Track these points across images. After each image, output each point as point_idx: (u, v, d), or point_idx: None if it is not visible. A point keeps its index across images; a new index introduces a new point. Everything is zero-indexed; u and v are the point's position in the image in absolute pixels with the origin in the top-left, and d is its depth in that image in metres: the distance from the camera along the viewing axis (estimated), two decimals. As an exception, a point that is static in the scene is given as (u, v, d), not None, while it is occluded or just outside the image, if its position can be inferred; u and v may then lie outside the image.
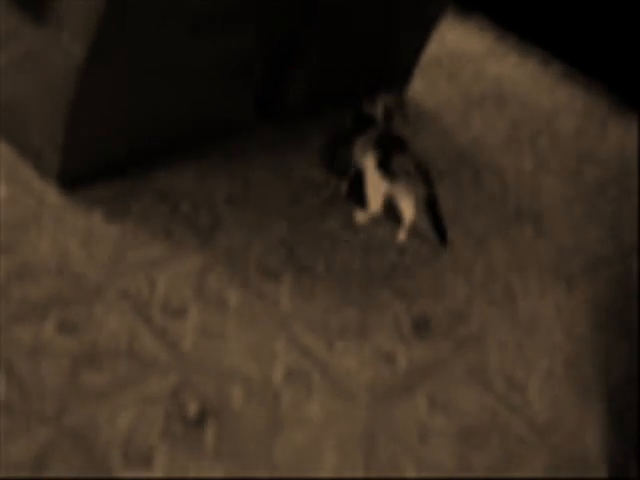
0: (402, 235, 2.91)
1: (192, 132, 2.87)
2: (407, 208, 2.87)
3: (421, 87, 3.96)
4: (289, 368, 2.24)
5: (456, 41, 4.57)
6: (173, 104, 2.67)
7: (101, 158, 2.55)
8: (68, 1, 2.20)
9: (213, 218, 2.64)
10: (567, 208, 3.49)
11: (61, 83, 2.29)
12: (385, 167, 2.81)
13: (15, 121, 2.47)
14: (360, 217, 2.90)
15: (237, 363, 2.19)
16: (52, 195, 2.46)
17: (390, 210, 2.96)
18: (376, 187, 2.85)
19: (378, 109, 2.99)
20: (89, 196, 2.52)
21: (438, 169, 3.39)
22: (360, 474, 2.05)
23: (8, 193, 2.40)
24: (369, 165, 2.87)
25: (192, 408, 2.02)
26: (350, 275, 2.65)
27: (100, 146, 2.52)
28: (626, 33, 4.45)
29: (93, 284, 2.23)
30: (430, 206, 2.87)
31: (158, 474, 1.85)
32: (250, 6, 2.58)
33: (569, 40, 4.63)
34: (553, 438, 2.39)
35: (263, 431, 2.05)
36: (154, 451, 1.89)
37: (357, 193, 2.99)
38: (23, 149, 2.50)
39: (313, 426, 2.12)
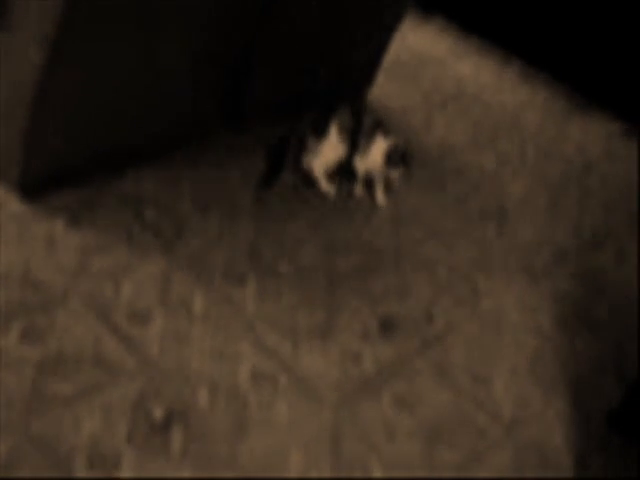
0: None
1: (155, 137, 2.86)
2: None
3: (383, 89, 3.98)
4: (255, 370, 2.25)
5: (417, 43, 4.60)
6: (136, 109, 2.66)
7: (63, 164, 2.54)
8: (27, 7, 2.19)
9: (177, 223, 2.64)
10: (530, 205, 3.53)
11: (20, 89, 2.28)
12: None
13: (-25, 129, 2.45)
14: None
15: (203, 366, 2.20)
16: (14, 203, 2.45)
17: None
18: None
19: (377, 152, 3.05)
20: (51, 203, 2.51)
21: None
22: (327, 474, 2.06)
23: (-31, 202, 2.38)
24: None
25: (158, 412, 2.02)
26: (315, 276, 2.66)
27: (62, 152, 2.51)
28: (584, 31, 4.50)
29: (57, 291, 2.22)
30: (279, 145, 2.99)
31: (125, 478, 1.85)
32: (207, 8, 2.58)
33: (529, 39, 4.68)
34: (519, 433, 2.41)
35: (230, 433, 2.05)
36: (120, 456, 1.89)
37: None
38: (-17, 157, 2.49)
39: (280, 427, 2.13)
